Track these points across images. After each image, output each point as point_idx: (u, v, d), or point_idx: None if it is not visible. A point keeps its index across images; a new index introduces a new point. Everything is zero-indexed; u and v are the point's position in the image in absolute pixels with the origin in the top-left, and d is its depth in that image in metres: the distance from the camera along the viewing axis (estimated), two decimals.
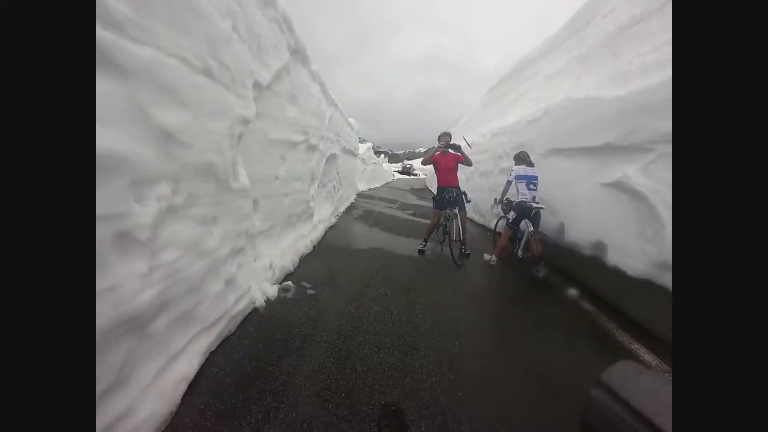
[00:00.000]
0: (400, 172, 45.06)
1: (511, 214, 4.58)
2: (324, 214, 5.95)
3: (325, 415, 1.68)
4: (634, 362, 0.51)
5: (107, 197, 1.30)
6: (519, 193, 4.50)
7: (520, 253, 4.56)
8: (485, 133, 8.97)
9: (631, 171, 3.45)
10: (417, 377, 2.02)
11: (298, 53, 3.59)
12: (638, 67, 4.12)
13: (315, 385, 1.88)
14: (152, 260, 1.57)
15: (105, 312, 1.31)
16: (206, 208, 2.00)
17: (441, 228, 5.19)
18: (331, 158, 6.32)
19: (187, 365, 1.83)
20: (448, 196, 4.81)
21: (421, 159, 5.36)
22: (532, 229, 4.31)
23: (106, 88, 1.27)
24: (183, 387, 1.74)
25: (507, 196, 4.79)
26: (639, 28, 4.59)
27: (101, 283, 1.30)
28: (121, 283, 1.39)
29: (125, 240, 1.41)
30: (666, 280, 2.86)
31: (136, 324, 1.51)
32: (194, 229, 1.89)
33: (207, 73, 1.84)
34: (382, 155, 37.72)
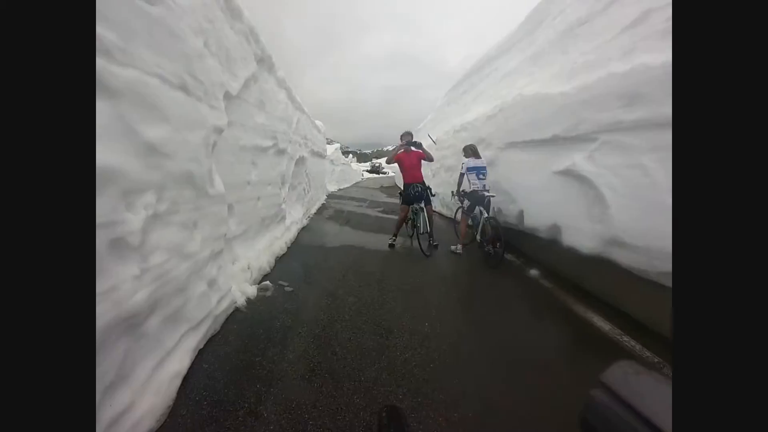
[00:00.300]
0: (369, 171, 45.34)
1: (466, 203, 4.99)
2: (296, 216, 6.07)
3: (311, 394, 1.87)
4: (634, 362, 0.52)
5: (103, 207, 1.44)
6: (471, 183, 4.90)
7: (478, 237, 4.96)
8: (449, 130, 9.34)
9: (578, 159, 3.82)
10: (392, 355, 2.25)
11: (265, 62, 3.72)
12: (582, 64, 4.51)
13: (300, 370, 2.07)
14: (143, 263, 1.70)
15: (107, 311, 1.45)
16: (187, 214, 2.13)
17: (409, 222, 5.46)
18: (300, 161, 6.44)
19: (179, 362, 1.96)
20: (414, 192, 5.10)
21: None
22: (486, 215, 4.72)
23: (98, 108, 1.40)
24: (177, 382, 1.87)
25: (462, 187, 5.15)
26: (584, 28, 4.99)
27: (102, 284, 1.43)
28: (118, 284, 1.52)
29: (120, 245, 1.55)
30: (613, 254, 3.23)
31: (133, 322, 1.64)
32: (177, 234, 2.02)
33: (183, 88, 1.98)
34: (351, 155, 37.81)
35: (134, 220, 1.63)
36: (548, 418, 1.77)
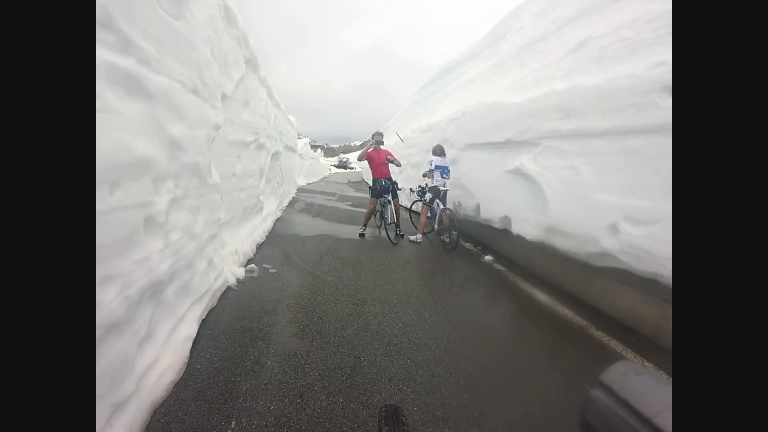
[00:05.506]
0: (337, 166, 45.38)
1: (428, 196, 5.65)
2: (271, 208, 6.36)
3: (304, 346, 2.29)
4: (634, 362, 0.54)
5: (141, 190, 1.77)
6: (434, 180, 5.55)
7: (436, 226, 5.62)
8: (416, 129, 9.88)
9: (525, 160, 4.44)
10: (367, 319, 2.71)
11: (251, 63, 4.03)
12: (533, 79, 5.14)
13: (292, 330, 2.48)
14: (166, 239, 2.04)
15: (141, 277, 1.78)
16: (194, 200, 2.47)
17: (378, 214, 5.98)
18: (275, 155, 6.72)
19: (188, 328, 2.29)
20: (382, 186, 5.68)
21: (357, 153, 6.16)
22: (442, 206, 5.42)
23: (139, 108, 1.74)
24: (188, 344, 2.18)
25: (425, 183, 5.80)
26: (539, 45, 5.60)
27: (138, 254, 1.77)
28: (149, 255, 1.86)
29: (150, 223, 1.89)
30: (552, 240, 3.85)
31: (157, 289, 1.97)
32: (188, 217, 2.36)
33: (195, 91, 2.32)
34: (318, 150, 37.74)
35: (160, 202, 1.97)
36: (494, 354, 2.31)
